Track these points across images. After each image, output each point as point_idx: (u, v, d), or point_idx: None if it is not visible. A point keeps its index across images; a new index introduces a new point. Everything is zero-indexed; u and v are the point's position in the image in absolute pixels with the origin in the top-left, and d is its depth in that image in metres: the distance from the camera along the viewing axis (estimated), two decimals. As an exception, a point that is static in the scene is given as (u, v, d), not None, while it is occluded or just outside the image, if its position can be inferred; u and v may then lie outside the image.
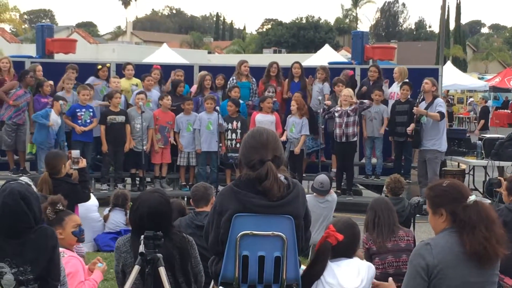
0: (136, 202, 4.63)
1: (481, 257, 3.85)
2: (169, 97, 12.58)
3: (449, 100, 32.36)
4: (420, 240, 4.23)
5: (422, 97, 11.80)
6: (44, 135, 11.89)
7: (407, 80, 12.49)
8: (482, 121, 26.34)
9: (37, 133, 12.03)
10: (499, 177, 10.12)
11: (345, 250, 4.79)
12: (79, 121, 12.10)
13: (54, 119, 11.84)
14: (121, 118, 12.20)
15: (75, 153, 7.57)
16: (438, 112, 11.59)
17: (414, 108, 11.73)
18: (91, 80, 12.83)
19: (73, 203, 6.82)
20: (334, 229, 4.73)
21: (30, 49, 26.81)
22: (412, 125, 11.82)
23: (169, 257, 4.40)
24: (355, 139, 12.10)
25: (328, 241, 4.69)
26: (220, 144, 12.34)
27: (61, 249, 5.09)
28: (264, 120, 12.10)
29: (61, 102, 11.90)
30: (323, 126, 12.64)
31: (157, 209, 4.53)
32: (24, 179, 4.23)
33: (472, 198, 3.96)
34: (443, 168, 12.52)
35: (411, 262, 3.98)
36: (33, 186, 4.17)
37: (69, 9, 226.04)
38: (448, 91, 34.42)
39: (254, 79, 13.27)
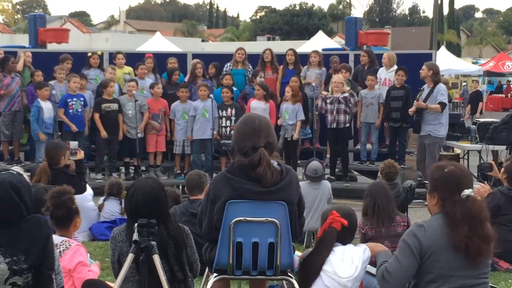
0: (131, 189, 4.61)
1: (463, 252, 3.86)
2: (160, 85, 12.57)
3: (443, 85, 32.28)
4: (414, 222, 4.24)
5: (421, 95, 11.60)
6: (40, 125, 11.83)
7: (402, 66, 12.42)
8: (481, 104, 26.19)
9: (33, 125, 11.92)
10: (490, 161, 10.14)
11: (343, 237, 4.79)
12: (70, 110, 12.01)
13: (46, 107, 11.79)
14: (115, 106, 12.20)
15: (74, 144, 7.64)
16: (438, 102, 11.37)
17: (415, 102, 11.50)
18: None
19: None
20: (338, 214, 4.74)
21: (23, 40, 26.71)
22: (414, 107, 11.54)
23: (163, 245, 4.39)
24: (347, 125, 12.09)
25: (333, 227, 4.70)
26: (215, 132, 12.33)
27: (66, 238, 5.12)
28: (257, 106, 12.05)
29: (53, 92, 11.85)
30: (317, 113, 12.62)
31: (152, 195, 4.51)
32: (16, 169, 4.22)
33: (466, 192, 3.93)
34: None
35: (404, 241, 3.98)
36: (25, 176, 4.17)
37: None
38: (442, 76, 34.37)
39: (250, 66, 13.24)
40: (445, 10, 66.14)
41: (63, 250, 5.01)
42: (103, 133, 12.16)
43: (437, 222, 3.96)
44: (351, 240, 4.93)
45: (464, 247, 3.83)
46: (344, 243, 4.80)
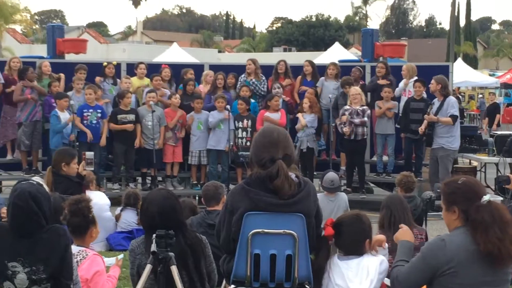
0: (145, 203, 4.63)
1: (495, 257, 3.82)
2: (177, 95, 12.60)
3: (459, 97, 32.15)
4: (436, 235, 4.19)
5: (431, 109, 11.62)
6: (58, 139, 11.82)
7: (421, 78, 12.37)
8: (498, 116, 26.00)
9: (52, 138, 11.93)
10: (508, 174, 10.08)
11: (353, 247, 4.67)
12: (85, 122, 11.98)
13: (63, 117, 11.79)
14: (131, 117, 12.20)
15: (89, 154, 7.67)
16: (450, 116, 11.41)
17: (425, 116, 11.55)
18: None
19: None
20: (330, 221, 4.63)
21: (41, 50, 26.90)
22: (425, 123, 11.57)
23: (182, 255, 4.39)
24: (364, 137, 12.07)
25: (324, 235, 4.60)
26: (232, 143, 12.32)
27: (83, 248, 5.12)
28: (274, 118, 12.07)
29: (71, 102, 11.87)
30: (333, 124, 12.59)
31: (166, 205, 4.53)
32: (36, 179, 4.25)
33: (486, 198, 3.90)
34: (454, 166, 12.44)
35: (423, 253, 3.95)
36: (44, 186, 4.19)
37: (80, 9, 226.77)
38: (459, 88, 34.27)
39: (264, 78, 13.25)
40: (462, 22, 66.01)
41: (80, 259, 5.02)
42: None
43: (459, 237, 3.91)
44: (363, 248, 4.64)
45: (497, 251, 3.80)
46: (360, 254, 4.73)
